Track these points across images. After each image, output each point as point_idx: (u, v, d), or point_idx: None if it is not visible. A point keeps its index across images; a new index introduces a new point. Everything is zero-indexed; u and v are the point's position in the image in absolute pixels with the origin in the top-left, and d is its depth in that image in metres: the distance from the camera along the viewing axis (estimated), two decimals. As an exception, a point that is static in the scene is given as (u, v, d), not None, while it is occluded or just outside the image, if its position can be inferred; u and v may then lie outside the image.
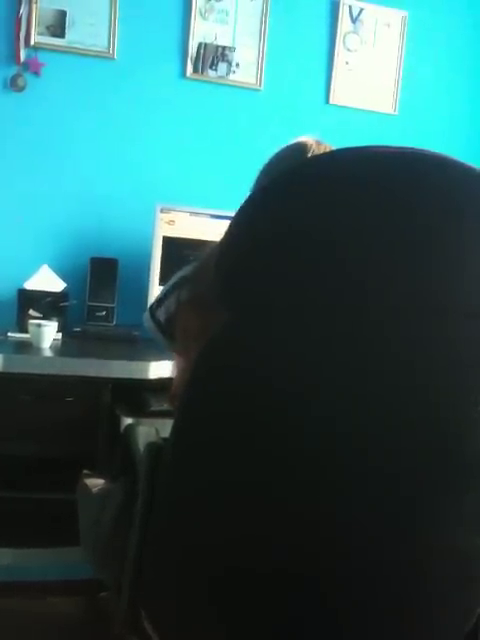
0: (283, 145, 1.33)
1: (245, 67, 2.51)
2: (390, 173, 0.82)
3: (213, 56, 2.48)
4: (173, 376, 1.25)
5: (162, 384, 1.54)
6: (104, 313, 2.31)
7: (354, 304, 0.83)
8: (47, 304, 2.18)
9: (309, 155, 1.26)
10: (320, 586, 0.92)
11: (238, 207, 0.88)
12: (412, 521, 0.90)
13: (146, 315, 1.32)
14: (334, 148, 1.29)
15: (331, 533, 0.88)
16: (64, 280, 2.26)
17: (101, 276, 2.32)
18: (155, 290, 2.24)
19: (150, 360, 1.94)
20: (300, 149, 1.29)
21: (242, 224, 0.89)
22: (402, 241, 0.82)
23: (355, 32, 2.61)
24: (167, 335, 1.26)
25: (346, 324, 0.84)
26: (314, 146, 1.28)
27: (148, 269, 2.30)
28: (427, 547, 0.91)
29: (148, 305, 1.35)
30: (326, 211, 0.83)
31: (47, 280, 2.24)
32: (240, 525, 0.90)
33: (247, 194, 1.30)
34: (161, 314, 1.26)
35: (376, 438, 0.86)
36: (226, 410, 0.89)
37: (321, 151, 1.27)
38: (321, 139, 1.32)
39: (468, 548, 0.94)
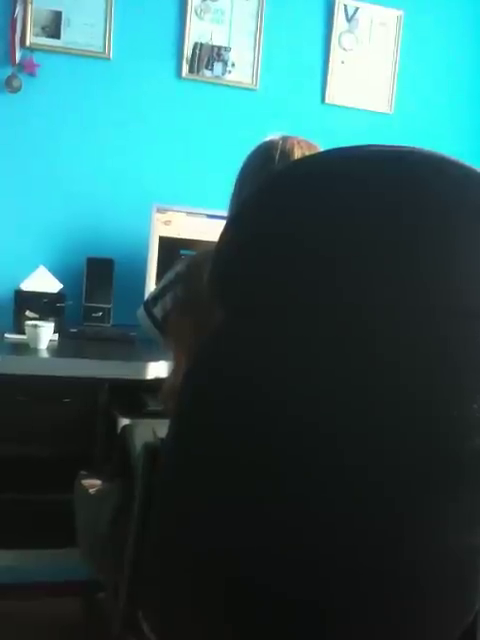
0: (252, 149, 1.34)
1: (241, 67, 2.51)
2: (382, 172, 0.82)
3: (209, 56, 2.48)
4: (168, 373, 1.26)
5: (159, 384, 1.54)
6: (101, 314, 2.31)
7: (347, 303, 0.83)
8: (44, 305, 2.18)
9: (277, 153, 1.27)
10: (318, 587, 0.92)
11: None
12: (408, 521, 0.90)
13: (141, 312, 1.32)
14: (300, 139, 1.30)
15: (328, 534, 0.88)
16: (60, 281, 2.26)
17: (97, 276, 2.32)
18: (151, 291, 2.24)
19: (147, 360, 1.94)
20: (268, 149, 1.29)
21: (237, 225, 0.89)
22: (391, 240, 0.82)
23: (350, 31, 2.61)
24: (164, 332, 1.27)
25: (340, 325, 0.84)
26: (280, 143, 1.29)
27: (145, 269, 2.29)
28: (423, 547, 0.91)
29: (143, 301, 1.35)
30: (317, 211, 0.83)
31: (43, 281, 2.23)
32: (236, 528, 0.90)
33: (230, 204, 1.31)
34: (158, 311, 1.27)
35: (371, 440, 0.86)
36: (224, 415, 0.89)
37: (288, 146, 1.28)
38: (289, 134, 1.33)
39: (464, 548, 0.94)
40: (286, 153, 1.27)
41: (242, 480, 0.89)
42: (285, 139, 1.30)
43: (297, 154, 1.27)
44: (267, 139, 1.33)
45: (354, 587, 0.92)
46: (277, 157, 1.26)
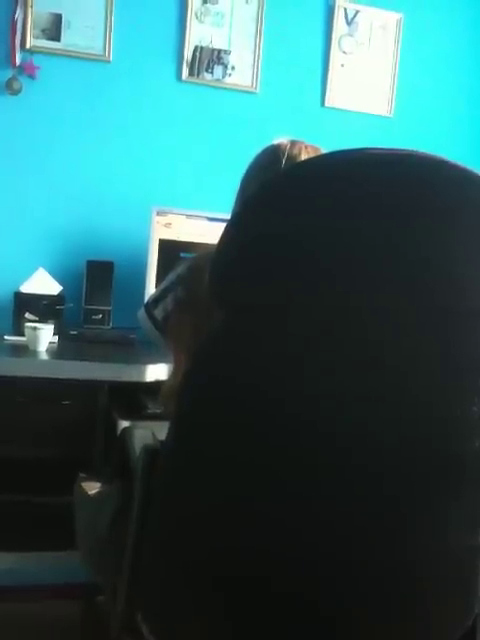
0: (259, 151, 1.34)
1: (241, 70, 2.51)
2: (382, 175, 0.83)
3: (209, 59, 2.48)
4: (168, 375, 1.26)
5: (159, 387, 1.55)
6: (100, 316, 2.31)
7: (346, 304, 0.84)
8: (43, 307, 2.18)
9: (283, 156, 1.28)
10: (318, 586, 0.92)
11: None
12: (408, 520, 0.90)
13: (141, 313, 1.32)
14: (308, 145, 1.30)
15: (327, 533, 0.89)
16: (60, 283, 2.26)
17: (97, 279, 2.32)
18: (151, 293, 2.24)
19: (146, 363, 1.94)
20: (275, 152, 1.30)
21: (238, 226, 0.89)
22: (391, 242, 0.82)
23: (350, 34, 2.61)
24: (164, 334, 1.27)
25: (340, 326, 0.84)
26: (288, 146, 1.29)
27: (144, 272, 2.29)
28: (423, 546, 0.91)
29: (143, 302, 1.35)
30: (318, 213, 0.83)
31: (43, 283, 2.23)
32: (236, 527, 0.90)
33: (234, 203, 1.31)
34: (159, 313, 1.26)
35: (372, 439, 0.86)
36: (223, 415, 0.89)
37: (295, 150, 1.29)
38: (297, 139, 1.33)
39: (464, 548, 0.94)
40: (293, 157, 1.27)
41: (241, 480, 0.89)
42: (293, 143, 1.31)
43: (303, 159, 1.27)
44: (275, 141, 1.33)
45: (354, 586, 0.92)
46: (284, 160, 1.27)
